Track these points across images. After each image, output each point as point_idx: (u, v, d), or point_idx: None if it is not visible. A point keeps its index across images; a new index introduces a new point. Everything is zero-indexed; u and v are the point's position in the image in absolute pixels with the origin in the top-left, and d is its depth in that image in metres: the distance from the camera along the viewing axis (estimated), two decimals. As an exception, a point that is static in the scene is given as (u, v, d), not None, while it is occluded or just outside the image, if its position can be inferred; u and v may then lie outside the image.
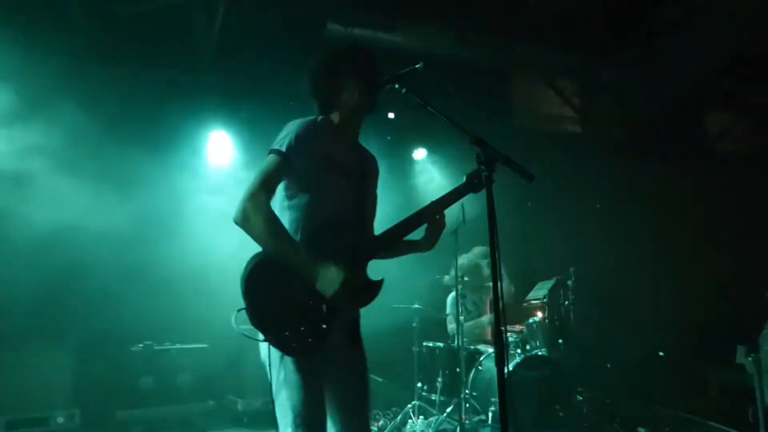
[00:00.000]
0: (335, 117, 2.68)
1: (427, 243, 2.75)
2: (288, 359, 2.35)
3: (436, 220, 2.69)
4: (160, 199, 6.11)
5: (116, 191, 5.79)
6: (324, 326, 2.38)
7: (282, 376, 2.37)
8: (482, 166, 2.24)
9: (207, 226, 6.04)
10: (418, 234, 2.73)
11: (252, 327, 2.32)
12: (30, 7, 5.63)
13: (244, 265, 2.37)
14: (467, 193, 2.70)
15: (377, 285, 2.55)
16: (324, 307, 2.38)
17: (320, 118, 2.65)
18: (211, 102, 6.74)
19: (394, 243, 2.66)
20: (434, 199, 2.72)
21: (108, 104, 6.08)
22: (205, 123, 6.79)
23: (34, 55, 5.38)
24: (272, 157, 2.48)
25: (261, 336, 2.32)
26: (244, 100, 6.76)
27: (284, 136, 2.51)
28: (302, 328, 2.34)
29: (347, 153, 2.65)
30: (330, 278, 2.36)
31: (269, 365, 2.37)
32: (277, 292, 2.36)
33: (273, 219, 2.40)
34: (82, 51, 6.00)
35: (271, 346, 2.33)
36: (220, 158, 6.87)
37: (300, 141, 2.49)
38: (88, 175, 5.79)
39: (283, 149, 2.46)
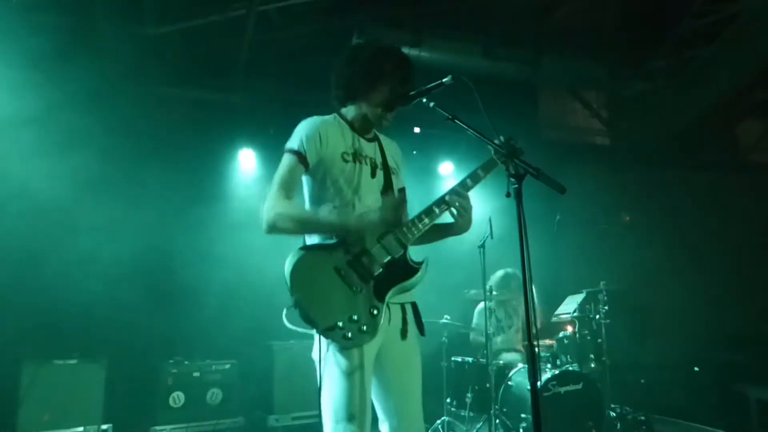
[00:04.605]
0: (351, 111, 2.69)
1: (460, 225, 2.65)
2: (335, 353, 2.35)
3: (462, 201, 2.59)
4: (189, 217, 6.18)
5: (146, 210, 5.87)
6: (375, 312, 2.37)
7: (327, 370, 2.37)
8: (512, 179, 2.22)
9: (237, 244, 6.08)
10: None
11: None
12: (61, 27, 5.76)
13: (286, 261, 2.36)
14: (493, 168, 2.61)
15: (420, 264, 2.52)
16: (373, 290, 2.38)
17: (330, 116, 2.68)
18: (239, 120, 6.83)
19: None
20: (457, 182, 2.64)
21: (138, 124, 6.19)
22: (233, 142, 6.88)
23: (64, 75, 5.47)
24: (286, 156, 2.54)
25: (315, 330, 2.30)
26: (271, 118, 6.81)
27: (295, 135, 2.57)
28: (354, 317, 2.33)
29: (363, 143, 2.66)
30: (363, 217, 2.46)
31: (319, 360, 2.38)
32: (323, 284, 2.35)
33: (295, 211, 2.46)
34: (111, 71, 6.10)
35: (322, 341, 2.35)
36: (249, 176, 6.93)
37: (312, 136, 2.53)
38: (117, 195, 5.90)
39: (295, 147, 2.52)
